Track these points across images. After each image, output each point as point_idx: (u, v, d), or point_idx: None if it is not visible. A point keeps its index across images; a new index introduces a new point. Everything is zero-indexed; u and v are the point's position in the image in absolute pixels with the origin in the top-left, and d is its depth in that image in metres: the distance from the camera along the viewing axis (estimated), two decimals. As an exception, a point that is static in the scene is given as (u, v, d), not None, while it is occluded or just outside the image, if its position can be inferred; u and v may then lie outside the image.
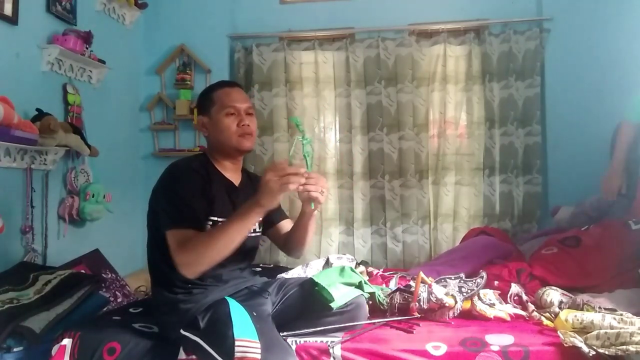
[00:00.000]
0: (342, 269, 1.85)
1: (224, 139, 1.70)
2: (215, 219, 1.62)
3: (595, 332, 1.48)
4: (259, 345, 1.37)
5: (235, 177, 1.77)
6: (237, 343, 1.37)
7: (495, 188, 3.31)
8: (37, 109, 2.40)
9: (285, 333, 1.60)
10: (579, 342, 1.46)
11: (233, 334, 1.40)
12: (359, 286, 1.81)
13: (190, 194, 1.57)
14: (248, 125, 1.70)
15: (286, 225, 1.88)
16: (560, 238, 2.43)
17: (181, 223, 1.53)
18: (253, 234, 1.75)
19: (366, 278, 2.08)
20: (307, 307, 1.69)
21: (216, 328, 1.48)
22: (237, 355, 1.35)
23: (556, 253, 2.32)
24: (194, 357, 1.56)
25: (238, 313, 1.49)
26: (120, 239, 3.11)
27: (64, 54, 2.58)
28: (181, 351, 1.58)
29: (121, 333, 1.66)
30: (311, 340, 1.60)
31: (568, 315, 1.61)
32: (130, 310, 1.95)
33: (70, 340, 1.64)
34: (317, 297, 1.67)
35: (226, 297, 1.59)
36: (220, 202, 1.65)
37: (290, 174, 1.40)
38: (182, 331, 1.56)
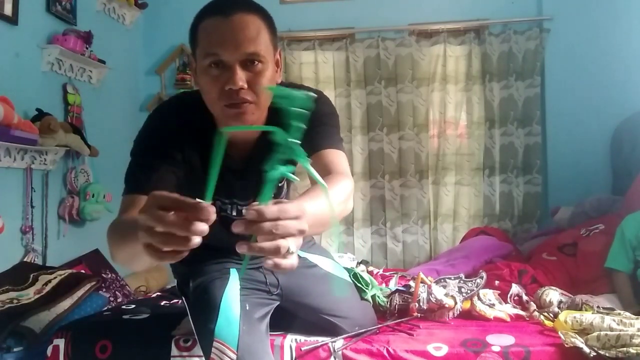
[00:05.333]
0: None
1: (207, 104, 1.15)
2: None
3: (595, 334, 1.48)
4: (234, 357, 1.25)
5: (246, 139, 1.25)
6: (214, 344, 1.27)
7: (495, 188, 3.32)
8: (37, 109, 2.40)
9: (281, 332, 1.58)
10: (580, 342, 1.46)
11: (214, 330, 1.27)
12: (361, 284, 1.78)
13: (152, 153, 1.13)
14: (239, 90, 1.06)
15: (322, 158, 1.19)
16: (560, 244, 2.43)
17: (126, 188, 1.12)
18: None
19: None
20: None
21: (202, 312, 1.35)
22: (212, 355, 1.27)
23: (555, 261, 2.33)
24: (186, 353, 1.54)
25: (230, 303, 1.32)
26: (120, 239, 3.10)
27: (64, 54, 2.58)
28: (173, 346, 1.58)
29: (112, 330, 1.66)
30: (312, 339, 1.59)
31: (567, 317, 1.61)
32: (123, 307, 1.95)
33: (63, 340, 1.64)
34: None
35: (230, 272, 1.39)
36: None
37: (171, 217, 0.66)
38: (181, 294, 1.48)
